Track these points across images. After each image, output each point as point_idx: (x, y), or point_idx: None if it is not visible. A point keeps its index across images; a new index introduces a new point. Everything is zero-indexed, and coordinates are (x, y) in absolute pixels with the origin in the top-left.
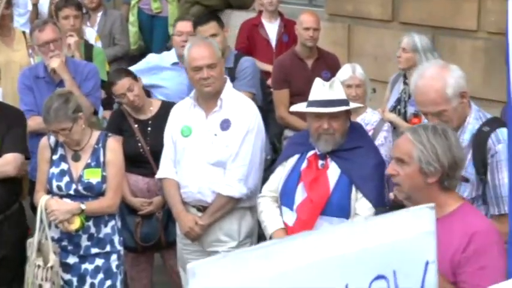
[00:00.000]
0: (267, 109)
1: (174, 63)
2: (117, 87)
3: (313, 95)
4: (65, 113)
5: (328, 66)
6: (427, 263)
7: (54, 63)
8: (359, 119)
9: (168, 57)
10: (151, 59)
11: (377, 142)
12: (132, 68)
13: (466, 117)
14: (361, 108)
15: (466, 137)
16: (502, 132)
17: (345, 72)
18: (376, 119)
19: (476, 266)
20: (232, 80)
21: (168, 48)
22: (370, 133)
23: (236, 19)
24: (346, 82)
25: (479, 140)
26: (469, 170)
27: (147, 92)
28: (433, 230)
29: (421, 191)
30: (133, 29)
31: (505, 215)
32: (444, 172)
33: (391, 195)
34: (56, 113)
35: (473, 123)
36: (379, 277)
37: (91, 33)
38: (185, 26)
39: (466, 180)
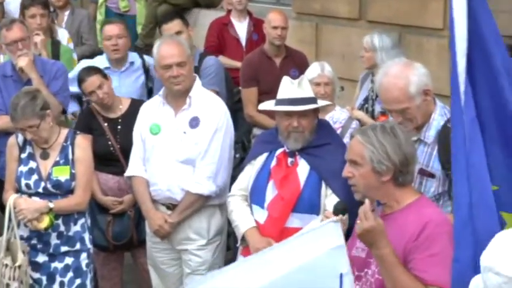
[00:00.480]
0: (234, 108)
1: (106, 68)
2: (86, 84)
3: (281, 93)
4: (32, 110)
5: (296, 64)
6: (341, 276)
7: (22, 62)
8: (327, 117)
9: (100, 62)
10: (84, 65)
11: (345, 140)
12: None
13: (430, 114)
14: (330, 106)
15: (431, 133)
16: None
17: (314, 70)
18: (344, 117)
19: (427, 253)
20: None
21: (137, 48)
22: (338, 131)
23: (204, 18)
24: (315, 80)
25: (444, 136)
26: (434, 166)
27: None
28: (341, 244)
29: (376, 190)
30: (101, 27)
31: None
32: (396, 169)
33: None
34: (23, 110)
35: (438, 119)
36: None
37: (63, 34)
38: (113, 29)
39: (432, 176)
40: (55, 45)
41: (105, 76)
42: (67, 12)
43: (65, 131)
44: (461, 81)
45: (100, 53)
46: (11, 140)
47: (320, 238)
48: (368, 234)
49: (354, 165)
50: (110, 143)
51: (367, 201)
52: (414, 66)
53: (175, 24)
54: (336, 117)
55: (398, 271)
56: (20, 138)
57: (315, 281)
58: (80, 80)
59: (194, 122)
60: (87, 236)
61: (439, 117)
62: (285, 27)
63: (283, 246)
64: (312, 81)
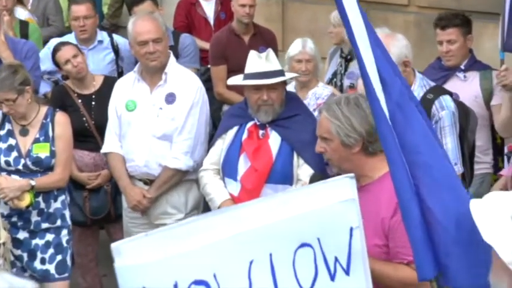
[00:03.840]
0: (205, 86)
1: None
2: (61, 52)
3: (249, 68)
4: (11, 83)
5: (265, 41)
6: (351, 229)
7: None
8: (310, 93)
9: (69, 40)
10: (52, 44)
11: None
12: None
13: (410, 85)
14: (313, 82)
15: None
16: (445, 99)
17: (296, 47)
18: (327, 93)
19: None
20: (175, 57)
21: (103, 28)
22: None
23: None
24: (297, 57)
25: (424, 107)
26: None
27: (55, 80)
28: (354, 197)
29: (349, 161)
30: (66, 8)
31: None
32: (364, 140)
33: None
34: (2, 83)
35: (417, 90)
36: (304, 245)
37: (24, 15)
38: (80, 10)
39: None
40: (23, 25)
41: (79, 50)
42: None
43: (44, 108)
44: (375, 82)
45: (67, 33)
46: None
47: (330, 190)
48: None
49: (324, 141)
50: (84, 119)
51: None
52: (396, 38)
53: (146, 6)
54: (319, 93)
55: (378, 267)
56: None
57: (321, 230)
58: (55, 51)
59: (170, 98)
60: (67, 213)
61: (418, 88)
62: (252, 5)
63: (282, 196)
64: (293, 58)
